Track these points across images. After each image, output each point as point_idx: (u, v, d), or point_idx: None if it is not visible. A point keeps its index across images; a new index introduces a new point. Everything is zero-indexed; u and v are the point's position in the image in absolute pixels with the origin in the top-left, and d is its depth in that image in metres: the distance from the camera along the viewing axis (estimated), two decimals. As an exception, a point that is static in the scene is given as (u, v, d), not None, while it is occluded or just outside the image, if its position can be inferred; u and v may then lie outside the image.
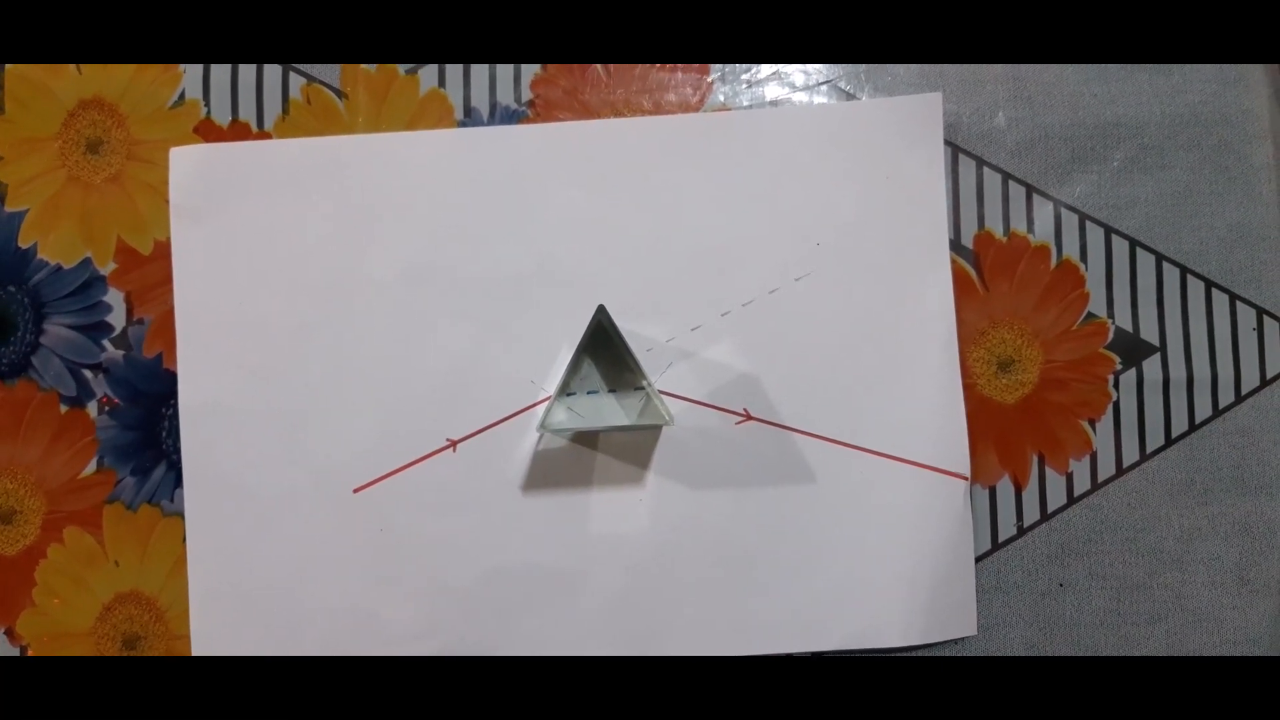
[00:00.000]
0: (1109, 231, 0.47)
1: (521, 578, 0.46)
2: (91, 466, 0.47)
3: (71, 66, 0.48)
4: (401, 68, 0.48)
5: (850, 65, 0.48)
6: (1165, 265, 0.47)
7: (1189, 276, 0.47)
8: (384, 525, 0.46)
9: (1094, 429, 0.47)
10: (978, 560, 0.46)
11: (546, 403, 0.46)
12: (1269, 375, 0.47)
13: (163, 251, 0.47)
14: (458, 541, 0.46)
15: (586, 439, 0.46)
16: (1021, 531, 0.47)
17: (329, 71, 0.48)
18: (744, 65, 0.48)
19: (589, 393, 0.47)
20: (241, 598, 0.46)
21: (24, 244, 0.47)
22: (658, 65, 0.48)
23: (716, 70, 0.48)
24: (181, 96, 0.48)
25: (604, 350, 0.46)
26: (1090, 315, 0.47)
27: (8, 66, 0.48)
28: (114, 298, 0.47)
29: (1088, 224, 0.47)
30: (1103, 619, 0.46)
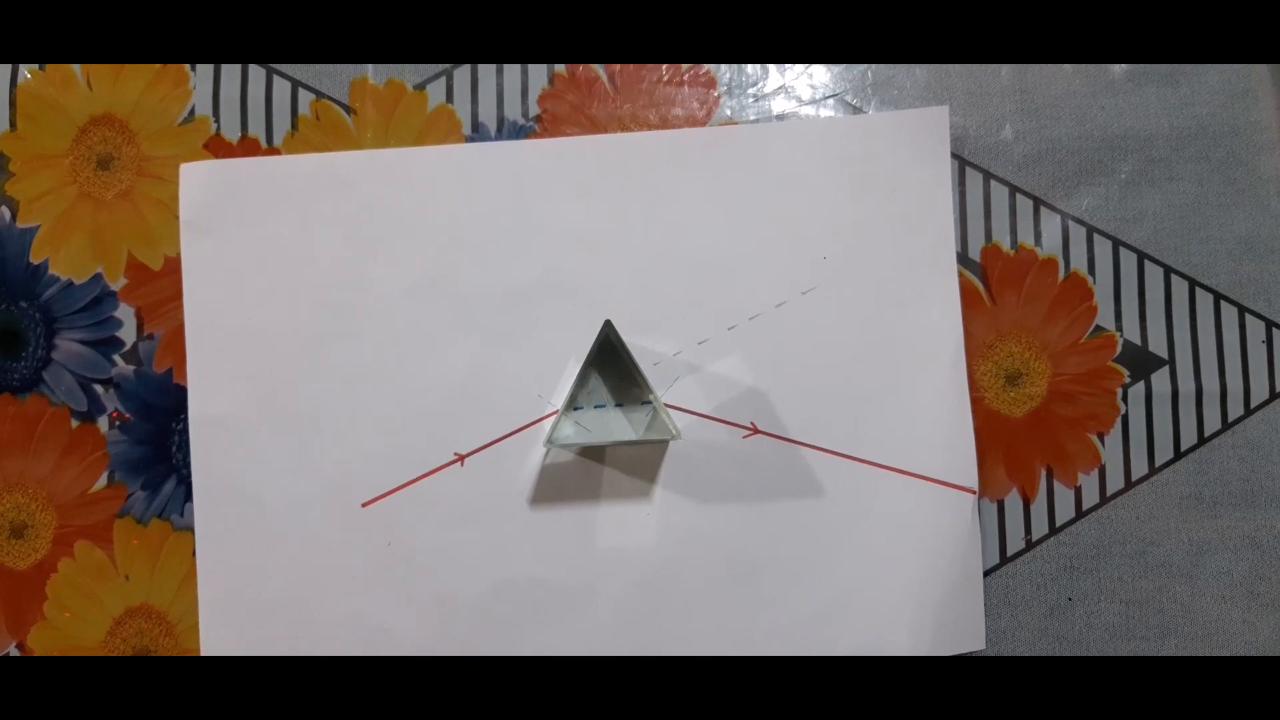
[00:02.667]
0: (1117, 244, 0.47)
1: (529, 591, 0.46)
2: (102, 481, 0.47)
3: (82, 83, 0.48)
4: (409, 83, 0.48)
5: (857, 79, 0.48)
6: (1174, 278, 0.47)
7: (1198, 289, 0.47)
8: (392, 539, 0.46)
9: (1102, 442, 0.47)
10: (986, 574, 0.46)
11: (554, 417, 0.46)
12: (1278, 388, 0.47)
13: (173, 267, 0.47)
14: (465, 555, 0.46)
15: (594, 453, 0.46)
16: (1030, 545, 0.47)
17: (338, 87, 0.48)
18: (750, 79, 0.48)
19: (596, 407, 0.47)
20: (251, 611, 0.46)
21: (35, 260, 0.48)
22: (665, 80, 0.48)
23: (723, 84, 0.48)
24: (191, 113, 0.48)
25: (611, 364, 0.46)
26: (1098, 328, 0.47)
27: (19, 84, 0.48)
28: (124, 313, 0.48)
29: (1095, 236, 0.47)
30: (1112, 633, 0.46)
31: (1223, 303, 0.47)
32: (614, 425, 0.46)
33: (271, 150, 0.48)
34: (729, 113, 0.48)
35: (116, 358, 0.48)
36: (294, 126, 0.48)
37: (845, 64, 0.48)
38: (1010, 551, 0.47)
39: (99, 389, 0.47)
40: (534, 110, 0.48)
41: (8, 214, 0.48)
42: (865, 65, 0.48)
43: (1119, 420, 0.47)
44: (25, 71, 0.48)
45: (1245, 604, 0.46)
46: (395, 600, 0.46)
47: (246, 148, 0.48)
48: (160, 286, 0.48)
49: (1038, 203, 0.48)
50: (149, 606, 0.47)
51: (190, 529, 0.47)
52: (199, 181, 0.48)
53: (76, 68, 0.48)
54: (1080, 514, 0.47)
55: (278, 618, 0.47)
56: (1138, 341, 0.47)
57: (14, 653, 0.47)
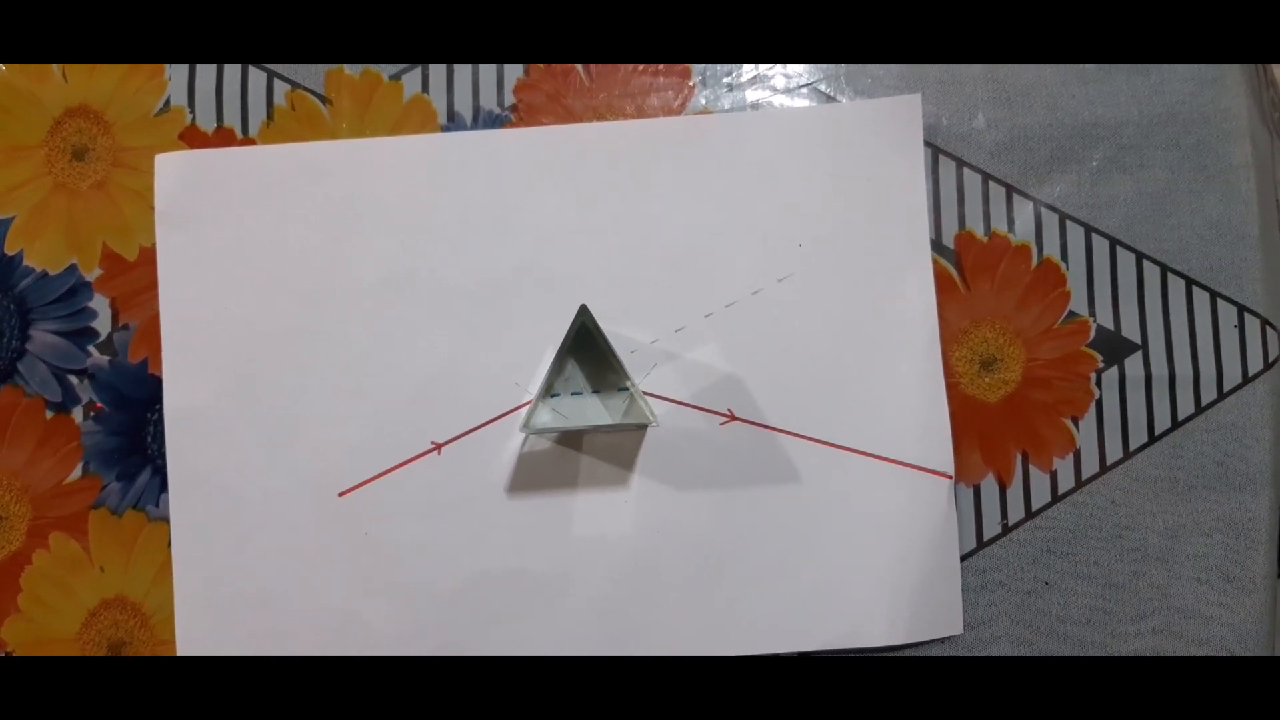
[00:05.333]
0: (1089, 230, 0.48)
1: (506, 581, 0.46)
2: (77, 472, 0.47)
3: (57, 75, 0.48)
4: (385, 74, 0.48)
5: (830, 68, 0.48)
6: (1146, 263, 0.48)
7: (1169, 274, 0.48)
8: (368, 529, 0.46)
9: (1077, 427, 0.47)
10: (963, 559, 0.46)
11: (531, 404, 0.46)
12: (1250, 372, 0.47)
13: (148, 257, 0.47)
14: (442, 545, 0.46)
15: (571, 441, 0.46)
16: (1006, 530, 0.47)
17: (313, 77, 0.48)
18: (725, 69, 0.49)
19: (573, 394, 0.47)
20: (227, 602, 0.46)
21: (10, 251, 0.48)
22: (640, 69, 0.48)
23: (698, 74, 0.49)
24: (167, 103, 0.48)
25: (588, 351, 0.46)
26: (1072, 314, 0.47)
27: (-6, 75, 0.48)
28: (99, 303, 0.48)
29: (1068, 223, 0.48)
30: (1088, 617, 0.46)
31: (1194, 288, 0.47)
32: (591, 412, 0.46)
33: (247, 141, 0.48)
34: (704, 102, 0.49)
35: (91, 348, 0.47)
36: (269, 117, 0.48)
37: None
38: (987, 536, 0.47)
39: (74, 380, 0.47)
40: (509, 100, 0.48)
41: (-18, 205, 0.48)
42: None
43: (1093, 405, 0.47)
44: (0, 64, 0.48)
45: (1221, 587, 0.47)
46: (372, 590, 0.46)
47: (222, 138, 0.48)
48: (135, 277, 0.47)
49: (1010, 190, 0.48)
50: (124, 598, 0.47)
51: (165, 520, 0.47)
52: (174, 172, 0.48)
53: (52, 60, 0.48)
54: (1056, 498, 0.47)
55: (254, 609, 0.46)
56: (1110, 327, 0.47)
57: (-13, 646, 0.47)
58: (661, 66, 0.49)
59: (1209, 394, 0.47)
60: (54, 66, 0.48)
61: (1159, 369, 0.47)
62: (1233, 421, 0.47)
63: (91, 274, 0.48)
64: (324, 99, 0.48)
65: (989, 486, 0.47)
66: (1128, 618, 0.46)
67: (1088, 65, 0.48)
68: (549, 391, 0.46)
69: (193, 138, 0.48)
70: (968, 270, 0.48)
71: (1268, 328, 0.47)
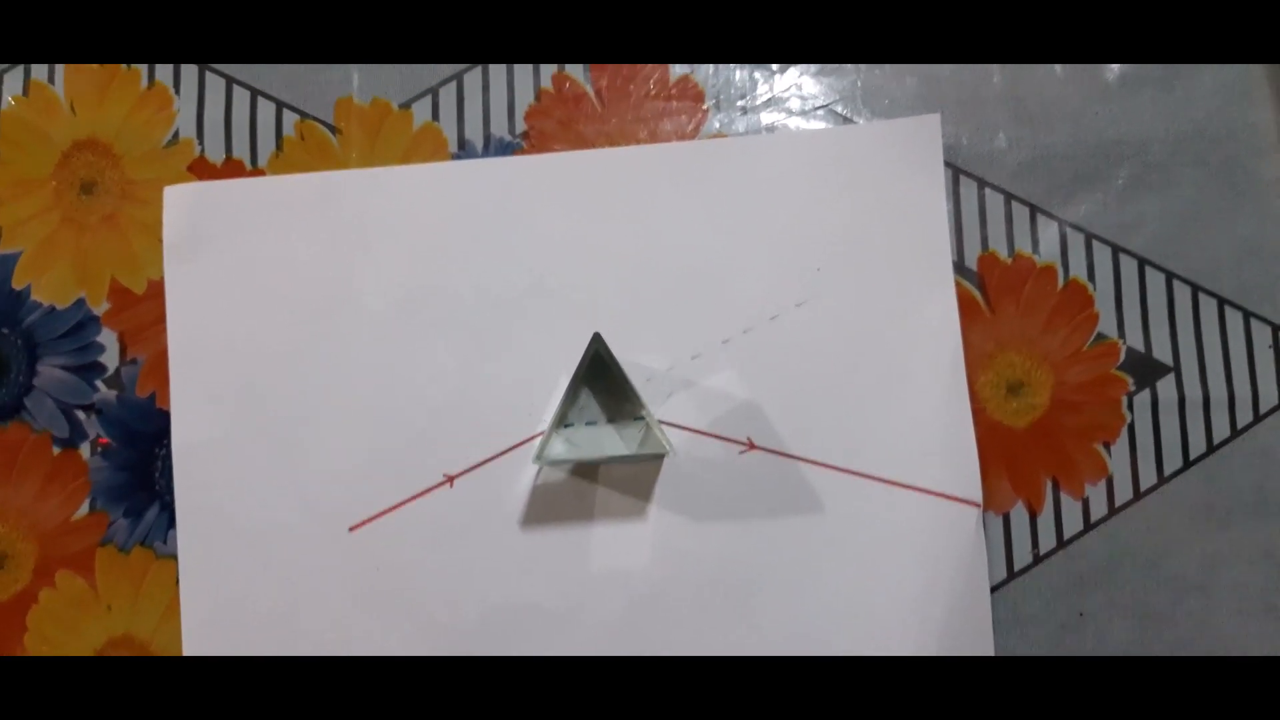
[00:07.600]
0: (1116, 250, 0.46)
1: (521, 615, 0.45)
2: (84, 508, 0.46)
3: (65, 108, 0.48)
4: (395, 102, 0.48)
5: (846, 89, 0.48)
6: (1176, 283, 0.46)
7: (1200, 294, 0.46)
8: (380, 564, 0.45)
9: (1109, 452, 0.46)
10: (993, 590, 0.45)
11: (544, 435, 0.45)
12: (1288, 393, 0.46)
13: (156, 291, 0.47)
14: (456, 579, 0.45)
15: (586, 471, 0.45)
16: (1037, 560, 0.45)
17: (322, 107, 0.48)
18: (739, 92, 0.48)
19: (587, 424, 0.46)
20: (235, 641, 0.45)
21: (18, 286, 0.47)
22: (652, 94, 0.48)
23: (711, 98, 0.48)
24: (175, 135, 0.48)
25: (602, 380, 0.45)
26: (1100, 336, 0.46)
27: (2, 110, 0.48)
28: (107, 338, 0.47)
29: (1094, 243, 0.46)
30: (1125, 649, 0.45)
31: (1227, 307, 0.46)
32: (606, 442, 0.45)
33: (256, 172, 0.47)
34: (718, 125, 0.48)
35: (99, 383, 0.47)
36: (279, 147, 0.48)
37: (835, 66, 0.48)
38: (1018, 566, 0.45)
39: (81, 415, 0.47)
40: (520, 127, 0.48)
41: (-10, 240, 0.47)
42: (855, 76, 0.48)
43: (1125, 429, 0.46)
44: (8, 98, 0.48)
45: (1262, 617, 0.45)
46: (384, 626, 0.45)
47: (231, 170, 0.48)
48: (143, 310, 0.47)
49: (1034, 210, 0.47)
50: (131, 637, 0.46)
51: (173, 557, 0.46)
52: (183, 204, 0.47)
53: (60, 93, 0.48)
54: (1089, 526, 0.45)
55: (263, 647, 0.45)
56: (1141, 349, 0.46)
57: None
58: (674, 90, 0.48)
59: (1245, 417, 0.46)
60: (61, 100, 0.48)
61: (1192, 392, 0.46)
62: (1271, 445, 0.45)
63: (99, 308, 0.47)
64: (333, 128, 0.48)
65: (1019, 515, 0.45)
66: (1166, 650, 0.45)
67: (1111, 82, 0.47)
68: (562, 421, 0.45)
69: (201, 169, 0.48)
70: (992, 293, 0.46)
71: (1304, 347, 0.46)
